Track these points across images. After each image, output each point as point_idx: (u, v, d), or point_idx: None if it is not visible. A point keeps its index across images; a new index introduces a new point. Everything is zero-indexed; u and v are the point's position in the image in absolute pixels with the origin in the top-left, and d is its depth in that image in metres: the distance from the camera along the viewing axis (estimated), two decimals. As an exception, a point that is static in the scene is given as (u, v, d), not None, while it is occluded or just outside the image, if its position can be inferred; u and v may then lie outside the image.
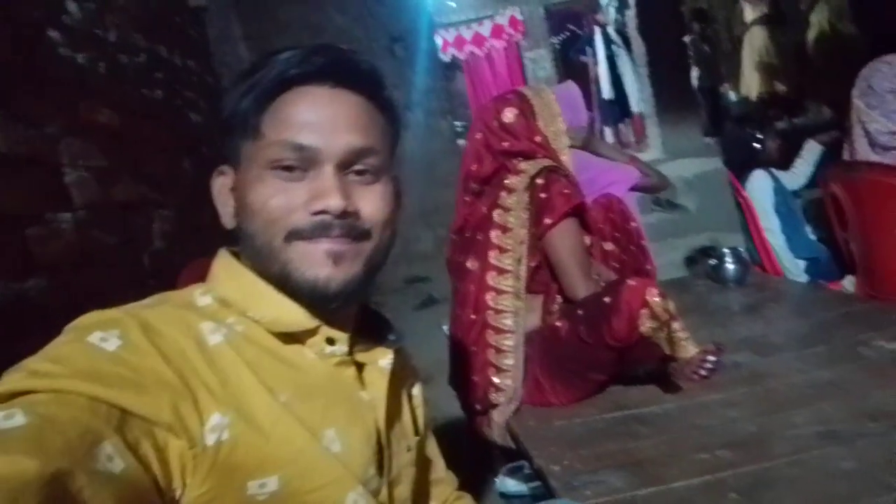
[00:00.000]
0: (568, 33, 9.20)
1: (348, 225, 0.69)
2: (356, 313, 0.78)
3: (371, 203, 0.70)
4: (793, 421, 1.40)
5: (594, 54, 7.78)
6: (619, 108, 7.54)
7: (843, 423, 1.33)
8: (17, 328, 1.60)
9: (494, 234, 1.73)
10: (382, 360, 0.77)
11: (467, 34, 9.04)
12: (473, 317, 1.73)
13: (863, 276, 2.30)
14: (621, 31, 7.28)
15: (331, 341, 0.72)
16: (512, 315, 1.69)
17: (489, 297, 1.71)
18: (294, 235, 0.68)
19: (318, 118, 0.69)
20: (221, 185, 0.75)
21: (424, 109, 5.77)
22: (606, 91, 7.59)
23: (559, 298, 1.73)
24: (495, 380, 1.69)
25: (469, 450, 1.76)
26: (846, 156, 2.29)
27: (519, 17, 8.98)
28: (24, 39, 1.93)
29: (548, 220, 1.66)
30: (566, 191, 1.67)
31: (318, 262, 0.68)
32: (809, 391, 1.53)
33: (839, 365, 1.64)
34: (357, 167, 0.70)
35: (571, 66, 8.46)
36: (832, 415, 1.39)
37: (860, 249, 2.31)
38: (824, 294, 2.38)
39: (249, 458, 0.61)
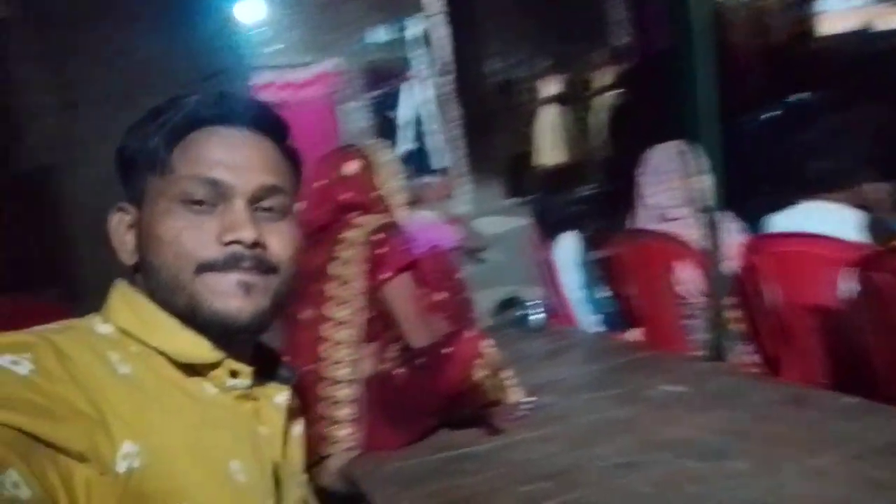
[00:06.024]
0: (383, 89, 9.53)
1: (258, 257, 0.70)
2: (253, 349, 0.79)
3: (279, 239, 0.73)
4: (598, 454, 1.59)
5: (403, 109, 8.17)
6: (424, 163, 7.93)
7: (638, 454, 1.55)
8: None
9: (330, 286, 1.77)
10: (278, 396, 0.79)
11: (281, 79, 9.01)
12: (306, 369, 1.75)
13: (644, 328, 2.68)
14: (437, 94, 7.72)
15: (234, 374, 0.73)
16: (348, 366, 1.73)
17: (324, 349, 1.75)
18: (205, 268, 0.69)
19: (231, 157, 0.71)
20: (119, 222, 0.74)
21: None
22: (411, 145, 7.94)
23: (394, 346, 1.82)
24: (329, 432, 1.71)
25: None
26: (629, 224, 2.67)
27: (335, 69, 9.16)
28: None
29: (386, 274, 1.74)
30: (403, 246, 1.77)
31: (229, 292, 0.69)
32: (608, 428, 1.75)
33: (630, 405, 1.89)
34: (265, 204, 0.73)
35: (386, 121, 8.77)
36: (629, 447, 1.61)
37: (642, 305, 2.69)
38: (613, 343, 2.71)
39: (159, 487, 0.61)
